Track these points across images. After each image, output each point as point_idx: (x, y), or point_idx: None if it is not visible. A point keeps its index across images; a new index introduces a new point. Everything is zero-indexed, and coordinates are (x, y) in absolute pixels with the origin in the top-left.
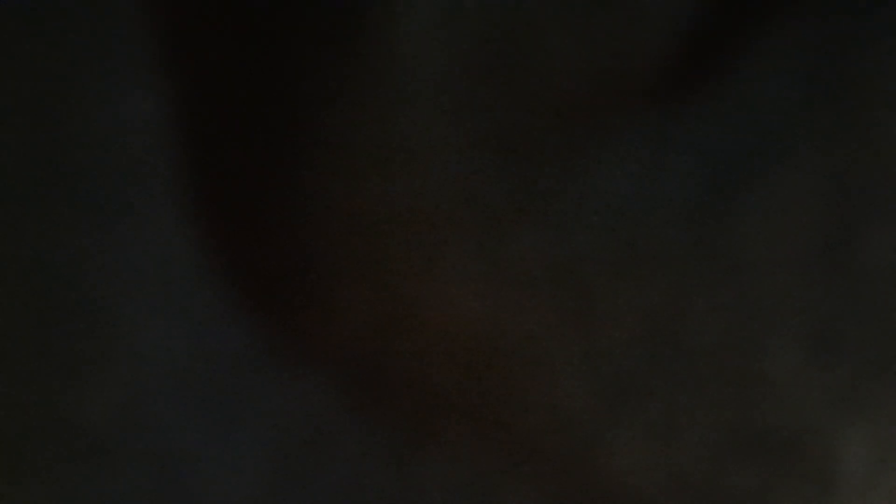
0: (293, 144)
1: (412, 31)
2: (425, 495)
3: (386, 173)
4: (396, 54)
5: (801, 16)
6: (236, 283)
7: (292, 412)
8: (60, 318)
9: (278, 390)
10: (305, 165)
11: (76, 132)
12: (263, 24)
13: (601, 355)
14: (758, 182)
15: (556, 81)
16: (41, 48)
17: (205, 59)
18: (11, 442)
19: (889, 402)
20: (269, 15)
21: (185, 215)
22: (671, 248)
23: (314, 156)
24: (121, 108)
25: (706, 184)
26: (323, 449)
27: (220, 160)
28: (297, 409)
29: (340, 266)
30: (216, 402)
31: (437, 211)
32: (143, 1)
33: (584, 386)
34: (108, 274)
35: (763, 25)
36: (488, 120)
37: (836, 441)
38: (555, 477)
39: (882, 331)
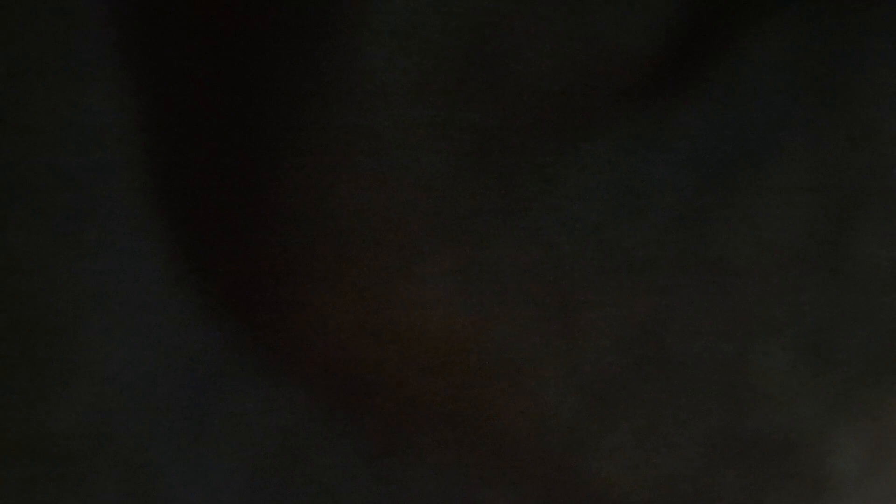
0: (266, 146)
1: (389, 29)
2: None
3: (361, 176)
4: (373, 52)
5: (790, 10)
6: (208, 291)
7: (267, 422)
8: (24, 330)
9: (252, 399)
10: (279, 168)
11: (40, 136)
12: (236, 22)
13: (585, 361)
14: (746, 182)
15: (538, 81)
16: (5, 52)
17: (174, 61)
18: None
19: (880, 407)
20: (241, 18)
21: (153, 221)
22: (657, 252)
23: (287, 158)
24: (87, 111)
25: (693, 185)
26: (299, 459)
27: (190, 164)
28: (271, 418)
29: (315, 271)
30: (188, 413)
31: (414, 214)
32: (114, 4)
33: (567, 392)
34: (73, 283)
35: (750, 21)
36: (467, 120)
37: (826, 446)
38: (538, 484)
39: (874, 334)
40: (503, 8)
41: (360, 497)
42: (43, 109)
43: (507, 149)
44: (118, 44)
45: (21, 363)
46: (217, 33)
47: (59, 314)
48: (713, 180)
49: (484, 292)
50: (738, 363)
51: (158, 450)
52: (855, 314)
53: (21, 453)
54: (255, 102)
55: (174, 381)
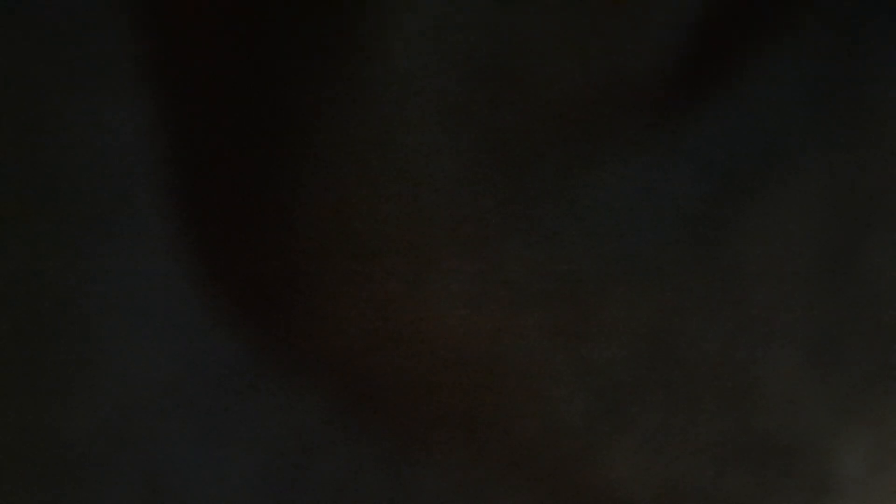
0: (283, 155)
1: (406, 39)
2: None
3: (378, 184)
4: (390, 63)
5: (804, 23)
6: (225, 296)
7: (283, 425)
8: (44, 333)
9: (268, 404)
10: (296, 176)
11: (58, 143)
12: (253, 33)
13: (596, 366)
14: (758, 192)
15: (552, 91)
16: (23, 58)
17: (193, 68)
18: None
19: (886, 411)
20: (259, 24)
21: (172, 227)
22: (669, 260)
23: (304, 167)
24: (107, 118)
25: (705, 194)
26: (314, 462)
27: (208, 171)
28: (287, 422)
29: (331, 278)
30: (205, 417)
31: (429, 222)
32: (129, 8)
33: (578, 396)
34: (93, 287)
35: (764, 34)
36: (482, 130)
37: (832, 449)
38: (549, 486)
39: (881, 340)
40: (524, 19)
41: (374, 498)
42: (62, 114)
43: (524, 156)
44: (138, 46)
45: (37, 367)
46: (238, 37)
47: (76, 317)
48: (726, 190)
49: (498, 297)
50: (747, 368)
51: (175, 451)
52: (862, 321)
53: (38, 455)
54: (275, 108)
55: (192, 385)
